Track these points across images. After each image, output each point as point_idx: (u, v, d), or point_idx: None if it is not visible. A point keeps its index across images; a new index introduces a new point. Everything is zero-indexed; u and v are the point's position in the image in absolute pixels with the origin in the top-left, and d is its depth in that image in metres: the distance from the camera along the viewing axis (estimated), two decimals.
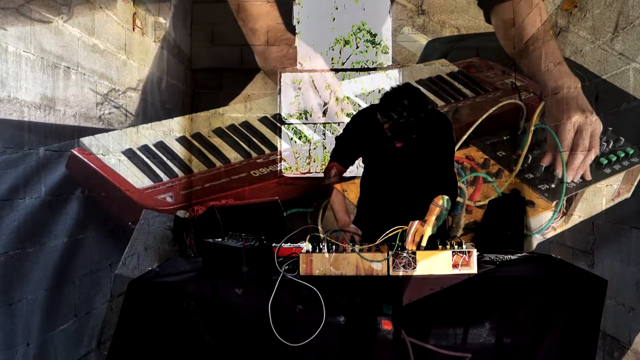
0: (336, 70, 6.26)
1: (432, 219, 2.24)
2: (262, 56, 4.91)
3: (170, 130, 4.37)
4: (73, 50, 2.83)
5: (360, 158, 2.78)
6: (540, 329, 2.05)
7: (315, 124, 8.98)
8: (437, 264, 2.10)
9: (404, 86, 2.36)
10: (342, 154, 2.66)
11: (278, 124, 4.96)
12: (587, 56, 3.40)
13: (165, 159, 4.20)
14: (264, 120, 4.93)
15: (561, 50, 3.80)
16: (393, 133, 2.30)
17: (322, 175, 2.86)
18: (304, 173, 6.43)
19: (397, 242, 2.13)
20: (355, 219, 2.72)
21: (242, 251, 2.06)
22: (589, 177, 3.37)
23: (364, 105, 6.71)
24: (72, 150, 2.85)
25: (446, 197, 2.31)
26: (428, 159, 2.54)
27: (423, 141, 2.45)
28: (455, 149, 4.47)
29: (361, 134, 2.58)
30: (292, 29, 4.94)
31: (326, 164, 2.75)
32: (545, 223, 4.11)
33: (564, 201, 3.80)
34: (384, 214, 2.55)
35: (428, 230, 2.19)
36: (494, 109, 4.79)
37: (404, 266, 2.09)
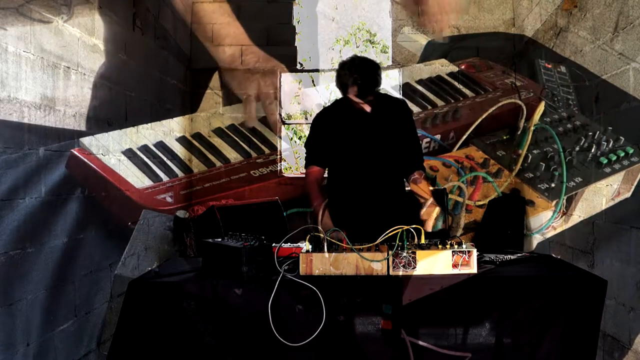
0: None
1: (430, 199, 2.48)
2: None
3: (170, 130, 4.36)
4: (73, 50, 2.83)
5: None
6: (540, 329, 2.05)
7: None
8: (437, 263, 2.10)
9: (363, 57, 2.72)
10: (317, 155, 2.82)
11: (278, 124, 4.96)
12: (587, 56, 3.40)
13: (165, 159, 4.20)
14: (264, 120, 4.93)
15: (561, 50, 3.80)
16: (360, 94, 2.62)
17: None
18: (304, 173, 6.42)
19: (397, 242, 2.12)
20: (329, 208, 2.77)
21: (242, 251, 2.06)
22: None
23: None
24: (72, 150, 2.85)
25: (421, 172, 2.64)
26: (396, 133, 2.74)
27: (389, 116, 2.72)
28: (455, 149, 4.47)
29: (327, 130, 2.77)
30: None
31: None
32: (545, 223, 4.11)
33: (564, 201, 3.80)
34: (361, 199, 2.73)
35: (437, 209, 2.45)
36: (493, 108, 4.79)
37: (403, 266, 2.09)
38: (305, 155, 2.90)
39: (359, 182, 2.75)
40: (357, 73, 2.61)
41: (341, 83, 2.69)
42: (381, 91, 2.77)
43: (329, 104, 2.93)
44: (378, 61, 2.77)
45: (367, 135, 2.73)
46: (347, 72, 2.63)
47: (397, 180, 2.79)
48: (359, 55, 2.77)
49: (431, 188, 2.52)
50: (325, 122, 2.81)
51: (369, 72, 2.63)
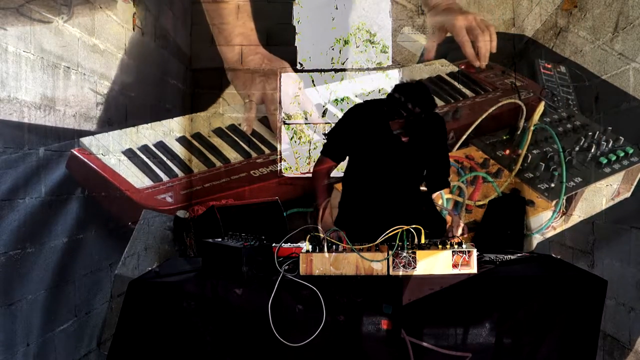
0: (336, 70, 6.26)
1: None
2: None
3: (170, 130, 4.36)
4: (73, 50, 2.83)
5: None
6: (540, 329, 2.05)
7: (316, 124, 8.99)
8: (437, 263, 2.10)
9: (416, 84, 2.45)
10: (335, 148, 2.64)
11: (278, 124, 4.96)
12: (587, 56, 3.40)
13: (165, 159, 4.20)
14: (264, 120, 4.93)
15: (561, 50, 3.80)
16: (404, 129, 2.39)
17: None
18: (304, 173, 6.43)
19: (397, 241, 2.12)
20: (338, 218, 2.68)
21: (242, 251, 2.06)
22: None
23: None
24: (72, 150, 2.85)
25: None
26: (427, 154, 2.62)
27: (424, 138, 2.55)
28: (455, 149, 4.48)
29: (356, 129, 2.59)
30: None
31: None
32: (545, 222, 4.11)
33: (564, 201, 3.80)
34: (377, 210, 2.58)
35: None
36: (493, 108, 4.79)
37: (403, 266, 2.09)
38: (324, 142, 2.71)
39: (375, 194, 2.64)
40: (413, 109, 2.32)
41: (391, 107, 2.40)
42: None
43: (370, 100, 2.68)
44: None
45: (395, 161, 2.59)
46: (404, 102, 2.34)
47: (414, 196, 2.67)
48: (422, 84, 2.49)
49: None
50: (358, 122, 2.60)
51: (424, 110, 2.35)
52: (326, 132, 2.79)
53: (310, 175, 2.86)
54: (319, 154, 2.72)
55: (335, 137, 2.66)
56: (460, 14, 4.76)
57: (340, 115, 2.98)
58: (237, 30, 4.89)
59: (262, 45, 4.91)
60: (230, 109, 4.93)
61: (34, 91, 2.48)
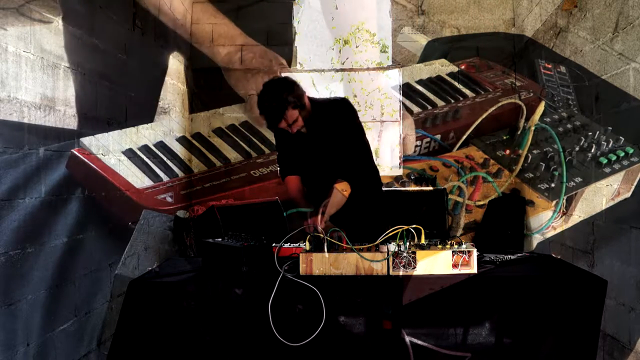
0: (336, 70, 6.26)
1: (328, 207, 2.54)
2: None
3: (170, 130, 4.36)
4: (73, 50, 2.83)
5: None
6: (540, 329, 2.05)
7: None
8: (437, 263, 2.10)
9: (266, 83, 2.67)
10: (287, 166, 2.86)
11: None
12: (587, 56, 3.40)
13: (165, 159, 4.20)
14: None
15: (561, 50, 3.80)
16: (267, 121, 2.63)
17: None
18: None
19: (397, 241, 2.13)
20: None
21: (242, 251, 2.06)
22: None
23: (363, 105, 6.71)
24: (72, 150, 2.85)
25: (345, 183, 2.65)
26: (331, 145, 2.73)
27: (322, 129, 2.70)
28: (455, 149, 4.47)
29: (283, 143, 2.86)
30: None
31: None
32: (545, 222, 4.11)
33: (564, 201, 3.80)
34: (319, 199, 2.74)
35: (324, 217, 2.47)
36: (493, 108, 4.79)
37: (403, 266, 2.09)
38: (279, 167, 2.95)
39: (321, 193, 2.76)
40: (260, 106, 2.61)
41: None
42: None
43: None
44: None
45: (311, 155, 2.77)
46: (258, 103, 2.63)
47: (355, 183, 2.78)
48: (265, 82, 2.70)
49: (431, 188, 2.52)
50: (281, 136, 2.84)
51: (269, 101, 2.58)
52: (277, 156, 3.04)
53: None
54: (282, 179, 2.92)
55: (280, 157, 2.91)
56: None
57: None
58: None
59: (263, 44, 4.91)
60: (230, 109, 4.93)
61: (34, 91, 2.48)
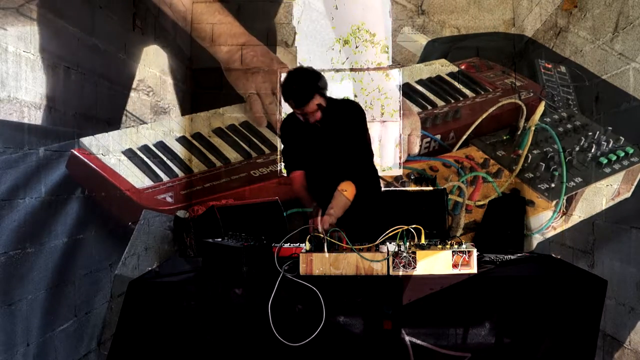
0: (336, 70, 6.26)
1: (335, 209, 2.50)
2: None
3: (170, 130, 4.36)
4: (73, 50, 2.83)
5: None
6: (540, 328, 2.05)
7: None
8: (437, 263, 2.10)
9: (288, 74, 2.66)
10: (293, 160, 2.83)
11: (278, 124, 4.95)
12: (587, 56, 3.40)
13: (165, 159, 4.20)
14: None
15: (561, 50, 3.80)
16: (295, 103, 2.59)
17: None
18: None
19: (397, 241, 2.13)
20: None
21: (242, 251, 2.06)
22: None
23: (363, 105, 6.70)
24: (72, 150, 2.85)
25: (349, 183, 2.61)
26: (341, 142, 2.73)
27: (335, 125, 2.70)
28: (455, 149, 4.47)
29: (291, 135, 2.83)
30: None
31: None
32: (545, 223, 4.11)
33: (564, 201, 3.80)
34: (322, 194, 2.72)
35: (330, 219, 2.42)
36: (493, 108, 4.79)
37: (403, 266, 2.09)
38: (284, 162, 2.92)
39: (325, 189, 2.74)
40: (286, 89, 2.60)
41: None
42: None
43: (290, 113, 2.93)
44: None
45: (320, 149, 2.77)
46: (282, 88, 2.65)
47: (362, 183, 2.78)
48: (293, 68, 2.70)
49: (431, 188, 2.52)
50: (289, 129, 2.84)
51: (299, 84, 2.59)
52: (281, 150, 2.95)
53: None
54: (286, 173, 2.91)
55: (287, 152, 2.87)
56: None
57: None
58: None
59: (263, 44, 4.91)
60: (230, 109, 4.93)
61: (34, 91, 2.48)
